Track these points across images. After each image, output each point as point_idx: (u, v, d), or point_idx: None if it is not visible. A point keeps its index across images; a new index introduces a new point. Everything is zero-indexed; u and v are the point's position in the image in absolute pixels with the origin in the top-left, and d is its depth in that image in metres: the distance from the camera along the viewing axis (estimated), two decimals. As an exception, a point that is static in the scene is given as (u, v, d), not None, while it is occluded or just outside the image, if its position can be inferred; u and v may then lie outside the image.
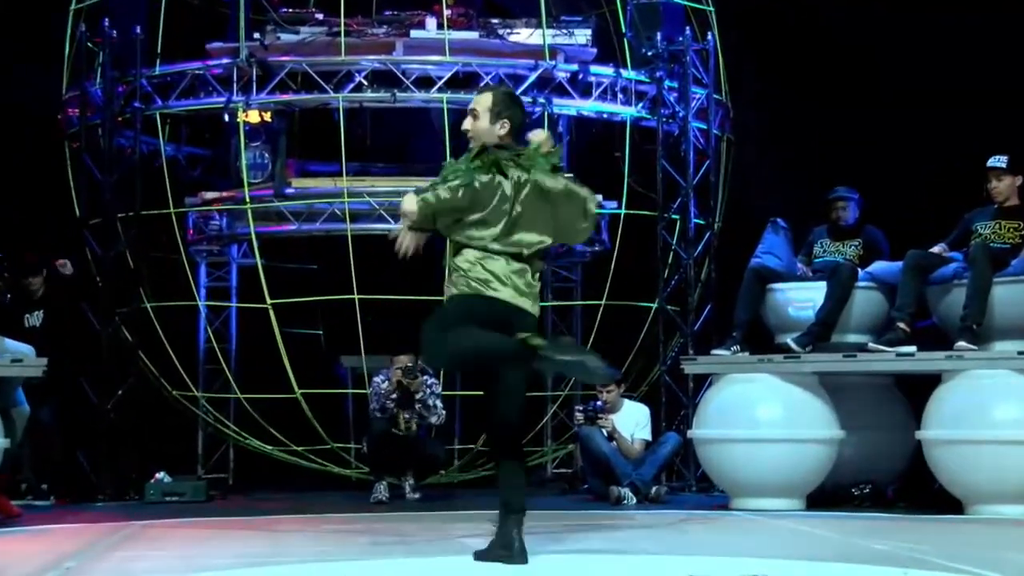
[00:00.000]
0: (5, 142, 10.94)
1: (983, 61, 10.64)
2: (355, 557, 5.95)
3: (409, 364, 9.56)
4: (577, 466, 10.45)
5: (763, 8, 11.14)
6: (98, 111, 10.65)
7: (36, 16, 11.11)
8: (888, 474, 8.88)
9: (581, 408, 9.60)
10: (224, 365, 10.99)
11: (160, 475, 9.67)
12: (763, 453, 8.34)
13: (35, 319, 9.84)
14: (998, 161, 8.36)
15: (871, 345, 8.38)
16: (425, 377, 9.69)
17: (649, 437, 9.40)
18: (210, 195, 10.90)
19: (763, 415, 8.42)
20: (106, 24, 10.48)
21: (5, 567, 5.63)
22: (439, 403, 9.72)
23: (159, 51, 10.69)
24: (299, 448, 10.68)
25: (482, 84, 5.40)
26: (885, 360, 8.29)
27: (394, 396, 9.57)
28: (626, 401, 9.58)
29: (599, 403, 9.40)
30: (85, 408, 10.02)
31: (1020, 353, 7.96)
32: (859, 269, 8.71)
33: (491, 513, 8.10)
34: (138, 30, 10.39)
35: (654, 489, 9.12)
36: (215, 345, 11.03)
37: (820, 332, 8.53)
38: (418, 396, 9.59)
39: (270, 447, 10.79)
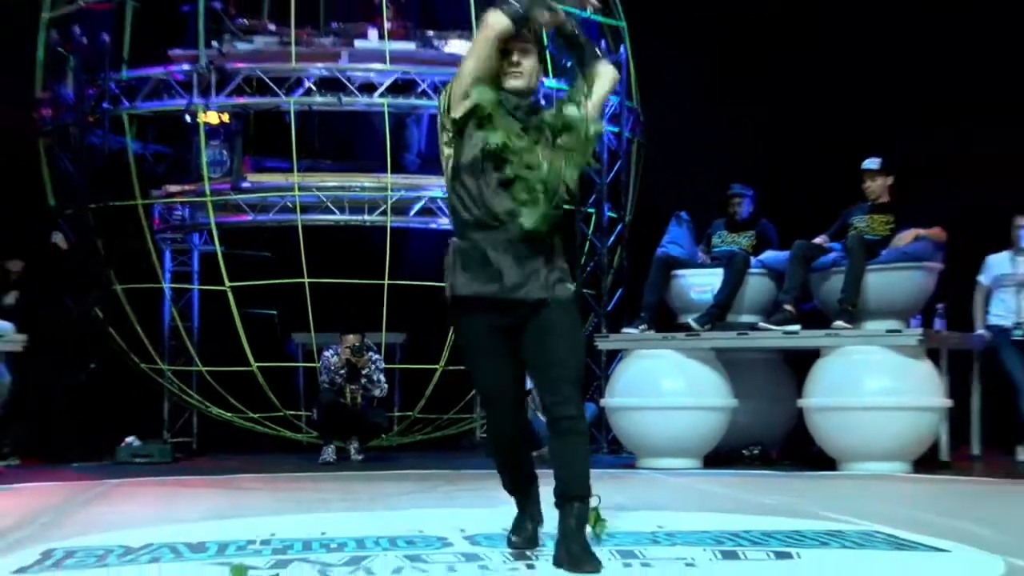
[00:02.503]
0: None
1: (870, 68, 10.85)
2: (306, 511, 5.98)
3: (356, 343, 9.68)
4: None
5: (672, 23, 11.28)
6: (69, 111, 10.64)
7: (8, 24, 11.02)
8: (774, 437, 9.13)
9: None
10: (187, 341, 10.99)
11: (130, 439, 9.69)
12: (666, 419, 8.53)
13: (10, 299, 9.84)
14: (872, 163, 8.59)
15: (761, 324, 8.57)
16: (371, 354, 9.80)
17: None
18: (174, 188, 10.86)
19: (667, 386, 8.61)
20: (76, 31, 10.49)
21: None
22: (383, 377, 9.85)
23: (125, 57, 10.68)
24: (255, 415, 10.71)
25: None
26: (773, 338, 8.51)
27: (343, 371, 9.68)
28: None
29: None
30: (58, 378, 10.04)
31: (889, 331, 8.25)
32: (752, 257, 8.87)
33: (423, 472, 8.34)
34: (106, 37, 10.40)
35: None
36: (179, 323, 11.02)
37: (717, 313, 8.71)
38: (364, 371, 9.71)
39: (229, 414, 10.80)
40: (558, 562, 3.99)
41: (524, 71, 4.18)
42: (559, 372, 4.11)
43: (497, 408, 4.37)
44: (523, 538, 4.39)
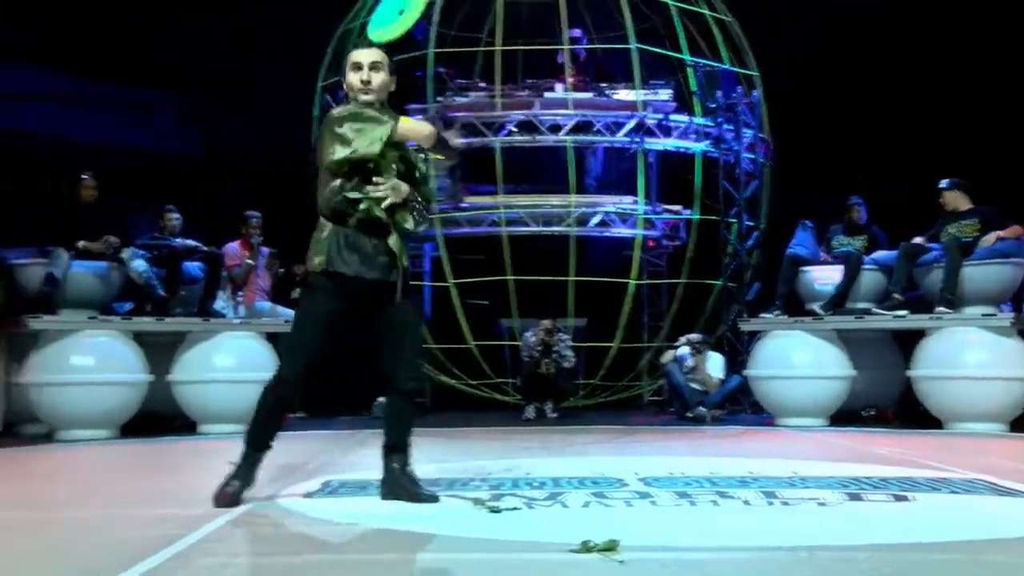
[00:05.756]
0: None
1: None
2: (513, 456, 5.99)
3: (550, 326, 9.69)
4: (665, 394, 10.50)
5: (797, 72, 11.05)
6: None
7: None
8: (887, 400, 8.77)
9: (687, 339, 9.50)
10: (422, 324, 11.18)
11: (381, 399, 9.87)
12: (798, 386, 8.32)
13: (296, 294, 10.12)
14: (944, 183, 8.32)
15: (875, 310, 8.29)
16: (561, 335, 9.81)
17: (722, 375, 9.38)
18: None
19: (797, 359, 8.37)
20: (341, 96, 10.75)
21: (285, 457, 5.85)
22: (571, 352, 9.84)
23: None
24: (473, 382, 10.84)
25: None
26: (885, 320, 8.20)
27: (539, 348, 9.71)
28: (710, 352, 9.57)
29: (690, 348, 9.42)
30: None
31: (984, 315, 7.84)
32: (864, 256, 8.60)
33: (603, 427, 8.28)
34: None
35: (716, 412, 9.16)
36: (415, 311, 11.24)
37: (837, 301, 8.46)
38: (555, 348, 9.71)
39: (453, 381, 10.94)
40: (394, 495, 4.08)
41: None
42: None
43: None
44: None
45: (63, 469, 6.00)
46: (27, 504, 4.30)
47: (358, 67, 4.01)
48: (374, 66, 4.01)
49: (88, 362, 7.48)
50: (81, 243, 7.83)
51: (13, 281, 8.03)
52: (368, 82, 3.98)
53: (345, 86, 4.06)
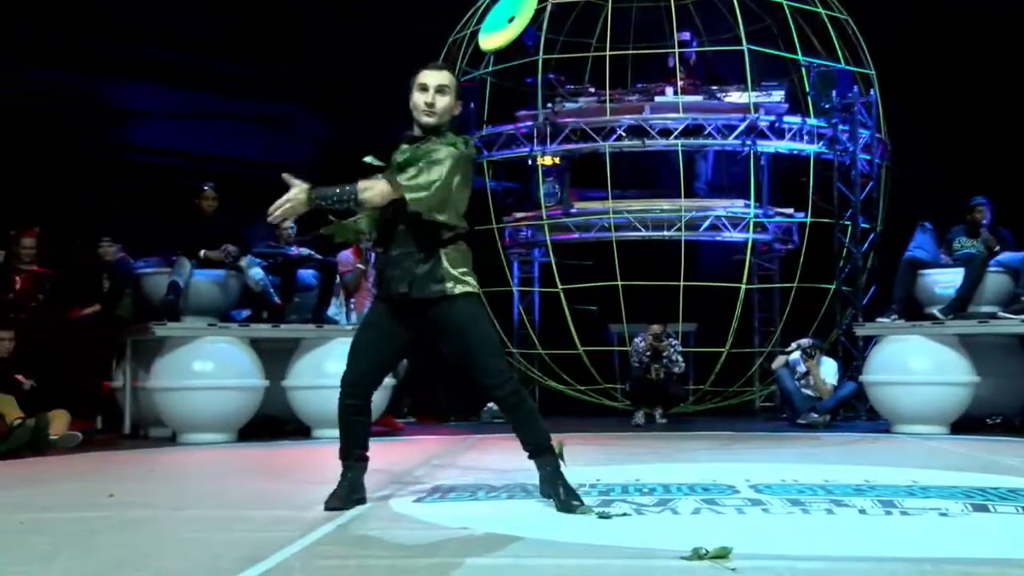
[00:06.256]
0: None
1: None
2: (622, 462, 5.95)
3: (659, 331, 9.61)
4: (777, 400, 10.30)
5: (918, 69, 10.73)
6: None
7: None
8: (1013, 408, 8.44)
9: (799, 344, 9.32)
10: (531, 331, 11.20)
11: (490, 405, 9.85)
12: (916, 392, 8.05)
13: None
14: None
15: (1001, 314, 8.01)
16: (670, 340, 9.71)
17: (836, 382, 9.16)
18: (520, 215, 11.17)
19: (915, 365, 8.12)
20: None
21: (396, 462, 5.93)
22: (680, 358, 9.74)
23: (485, 118, 11.03)
24: (582, 388, 10.78)
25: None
26: (1011, 325, 7.91)
27: (648, 353, 9.64)
28: (824, 357, 9.34)
29: (803, 354, 9.22)
30: (439, 359, 10.41)
31: (1118, 319, 7.49)
32: (990, 258, 8.28)
33: (714, 433, 8.16)
34: (472, 106, 10.77)
35: (828, 418, 8.93)
36: (524, 317, 11.30)
37: (959, 305, 8.18)
38: (665, 354, 9.63)
39: (562, 387, 10.91)
40: (548, 496, 4.03)
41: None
42: None
43: None
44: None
45: (184, 470, 6.21)
46: (149, 503, 4.46)
47: (424, 88, 4.03)
48: (440, 89, 4.03)
49: (208, 368, 7.72)
50: (202, 252, 8.10)
51: (140, 290, 8.37)
52: (432, 104, 4.01)
53: (411, 105, 4.07)
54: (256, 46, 12.31)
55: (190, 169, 11.23)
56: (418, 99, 4.04)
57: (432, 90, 4.03)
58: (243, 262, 8.18)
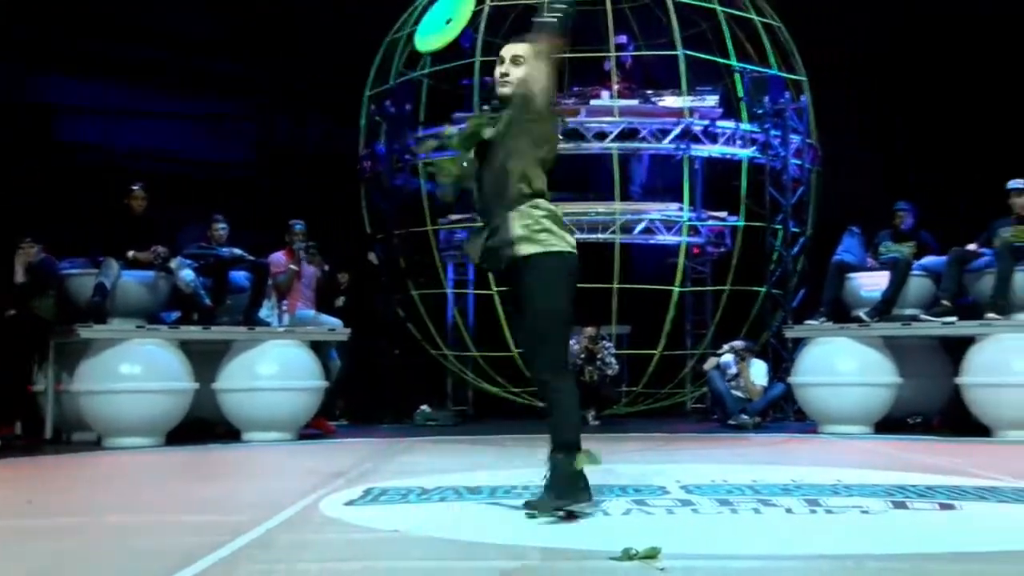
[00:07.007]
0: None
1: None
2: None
3: (593, 334, 9.66)
4: (708, 402, 10.43)
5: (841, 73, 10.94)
6: (382, 162, 11.02)
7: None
8: (933, 408, 8.65)
9: (731, 346, 9.47)
10: (465, 333, 11.17)
11: (424, 407, 9.92)
12: (843, 393, 8.22)
13: (340, 302, 10.26)
14: (1017, 183, 8.11)
15: (923, 316, 8.20)
16: (604, 342, 9.77)
17: (766, 383, 9.31)
18: (455, 217, 11.14)
19: (842, 366, 8.28)
20: (387, 104, 10.85)
21: (328, 464, 5.86)
22: (614, 360, 9.81)
23: (422, 120, 10.98)
24: (515, 389, 10.77)
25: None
26: (933, 327, 8.10)
27: (582, 355, 9.68)
28: (753, 359, 9.49)
29: (736, 356, 9.36)
30: (373, 361, 10.38)
31: (1035, 322, 7.73)
32: (914, 262, 8.48)
33: (645, 435, 8.24)
34: (408, 107, 10.72)
35: (758, 419, 9.08)
36: (459, 319, 11.27)
37: (884, 308, 8.34)
38: (599, 356, 9.68)
39: (496, 388, 10.91)
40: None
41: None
42: None
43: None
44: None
45: (109, 476, 6.09)
46: (73, 510, 4.37)
47: (500, 60, 4.06)
48: (514, 60, 4.04)
49: (136, 370, 7.58)
50: (130, 253, 7.95)
51: (64, 291, 8.18)
52: (506, 75, 4.02)
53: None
54: (190, 41, 12.14)
55: (119, 167, 11.04)
56: (496, 71, 4.07)
57: (508, 61, 4.04)
58: (173, 263, 8.04)
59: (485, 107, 4.15)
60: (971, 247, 8.22)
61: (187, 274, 8.05)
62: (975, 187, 9.48)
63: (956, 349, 8.16)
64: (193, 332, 7.96)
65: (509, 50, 4.07)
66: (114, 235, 8.04)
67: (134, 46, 12.14)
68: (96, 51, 12.00)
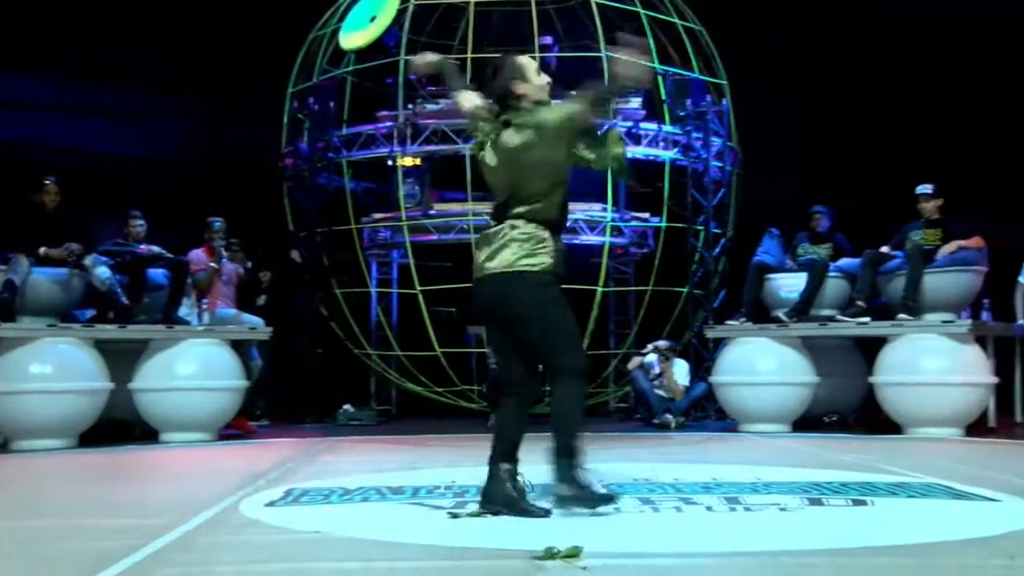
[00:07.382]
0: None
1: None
2: (478, 464, 5.98)
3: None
4: (631, 402, 10.52)
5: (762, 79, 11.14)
6: (304, 160, 10.90)
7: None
8: (849, 407, 8.84)
9: (655, 346, 9.56)
10: (389, 332, 11.11)
11: (346, 406, 9.85)
12: (762, 392, 8.37)
13: (261, 300, 10.12)
14: (926, 188, 8.36)
15: (838, 317, 8.38)
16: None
17: (688, 383, 9.43)
18: (379, 216, 11.07)
19: (762, 366, 8.43)
20: (311, 101, 10.74)
21: (248, 465, 5.80)
22: (535, 359, 9.83)
23: (345, 118, 10.91)
24: (439, 389, 10.75)
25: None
26: (848, 327, 8.29)
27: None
28: (676, 359, 9.60)
29: (660, 355, 9.46)
30: (295, 360, 10.28)
31: (944, 322, 7.96)
32: (830, 263, 8.68)
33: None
34: (331, 105, 10.62)
35: (682, 419, 9.20)
36: (383, 319, 11.20)
37: (802, 308, 8.52)
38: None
39: (420, 388, 10.87)
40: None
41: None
42: None
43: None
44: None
45: (17, 479, 5.91)
46: (-18, 513, 4.23)
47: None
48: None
49: (47, 370, 7.38)
50: (42, 249, 7.73)
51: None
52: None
53: None
54: (108, 32, 11.85)
55: (33, 163, 10.73)
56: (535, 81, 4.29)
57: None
58: (88, 260, 7.84)
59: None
60: (883, 249, 8.43)
61: (103, 271, 7.85)
62: (888, 190, 9.74)
63: (870, 349, 8.35)
64: (109, 331, 7.78)
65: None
66: (24, 231, 7.80)
67: (53, 39, 11.81)
68: (11, 44, 11.64)
